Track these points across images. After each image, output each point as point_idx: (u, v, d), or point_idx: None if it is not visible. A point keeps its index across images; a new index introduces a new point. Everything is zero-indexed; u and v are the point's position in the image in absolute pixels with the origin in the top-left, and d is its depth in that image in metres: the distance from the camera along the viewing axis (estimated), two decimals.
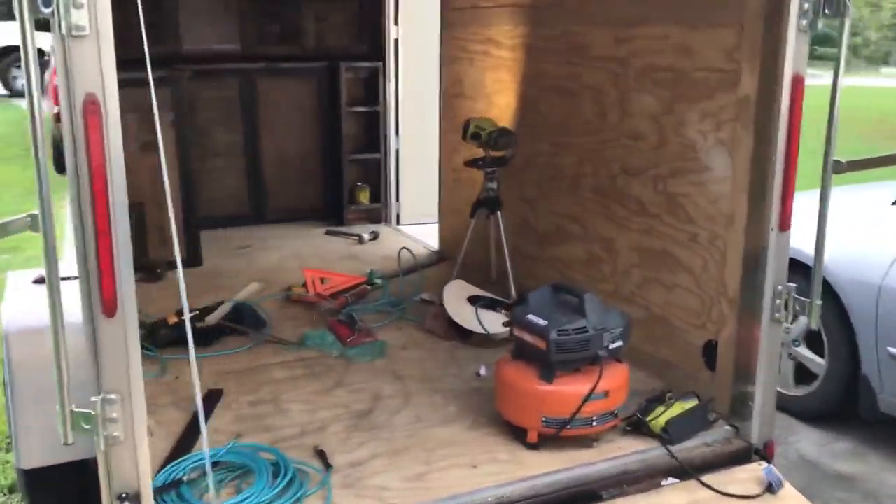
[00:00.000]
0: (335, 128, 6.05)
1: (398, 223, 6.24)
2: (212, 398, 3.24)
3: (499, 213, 4.19)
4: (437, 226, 5.51)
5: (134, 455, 2.05)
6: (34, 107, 1.78)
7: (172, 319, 3.81)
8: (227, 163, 5.96)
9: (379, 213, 6.24)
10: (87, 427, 1.97)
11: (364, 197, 6.18)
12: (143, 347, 3.58)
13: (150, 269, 4.86)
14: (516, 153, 4.21)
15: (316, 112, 6.10)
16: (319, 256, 5.36)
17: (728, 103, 2.92)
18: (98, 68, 1.83)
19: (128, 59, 5.60)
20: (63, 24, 1.75)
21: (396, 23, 5.95)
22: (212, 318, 3.88)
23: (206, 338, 3.78)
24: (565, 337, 2.75)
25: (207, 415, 3.12)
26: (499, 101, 4.49)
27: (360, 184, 6.19)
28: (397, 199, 6.24)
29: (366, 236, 5.67)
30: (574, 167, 3.89)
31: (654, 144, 3.34)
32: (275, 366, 3.57)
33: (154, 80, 4.78)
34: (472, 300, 3.92)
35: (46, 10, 1.73)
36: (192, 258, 5.05)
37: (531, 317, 2.85)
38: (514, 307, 3.15)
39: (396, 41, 5.97)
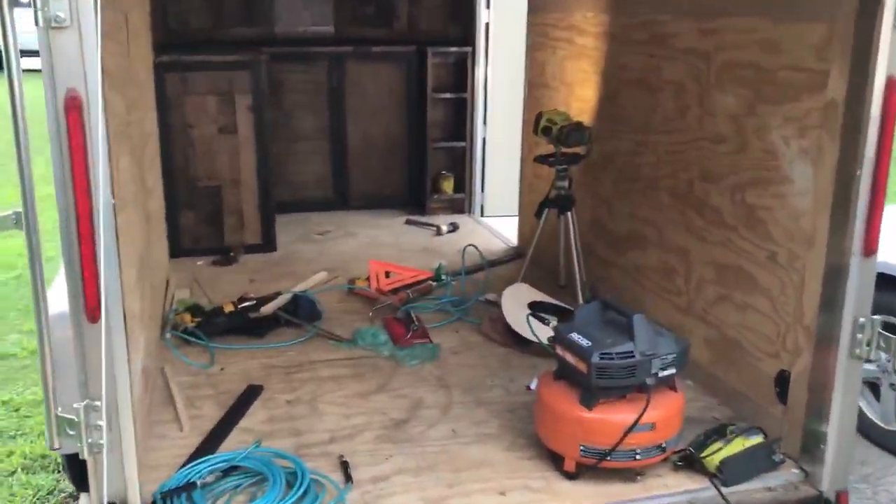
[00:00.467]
0: (421, 114, 5.91)
1: (482, 214, 6.05)
2: (251, 394, 3.18)
3: (569, 214, 3.94)
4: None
5: (121, 463, 1.97)
6: (16, 100, 1.69)
7: (228, 308, 3.78)
8: (313, 146, 5.92)
9: (462, 203, 6.06)
10: (71, 433, 1.90)
11: (448, 186, 6.02)
12: (194, 336, 3.62)
13: (224, 252, 4.89)
14: (593, 149, 3.93)
15: (403, 97, 5.97)
16: (396, 246, 5.25)
17: (814, 107, 2.56)
18: (80, 62, 1.72)
19: (210, 41, 5.69)
20: (41, 15, 1.66)
21: (489, 6, 5.72)
22: (267, 308, 3.82)
23: (259, 328, 3.73)
24: (608, 361, 2.50)
25: (243, 411, 3.06)
26: (580, 93, 4.21)
27: (444, 172, 6.03)
28: (482, 190, 6.04)
29: (444, 228, 5.51)
30: (652, 168, 3.59)
31: (734, 149, 3.01)
32: (322, 363, 3.48)
33: (233, 63, 4.77)
34: (533, 305, 3.70)
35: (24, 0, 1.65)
36: (267, 243, 5.04)
37: (575, 335, 2.61)
38: (558, 322, 2.92)
39: (487, 25, 5.75)
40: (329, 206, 6.00)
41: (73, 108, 1.73)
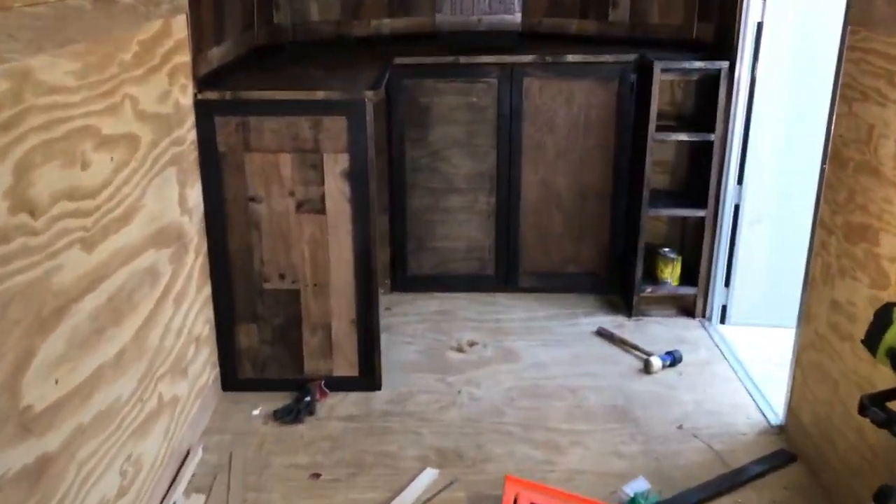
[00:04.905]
0: (637, 161, 3.79)
1: (722, 321, 3.85)
2: None
3: None
4: (792, 346, 2.97)
5: None
6: None
7: None
8: (469, 201, 4.01)
9: (693, 301, 3.90)
10: None
11: (670, 273, 3.87)
12: None
13: (301, 387, 3.17)
14: None
15: (611, 133, 3.87)
16: (572, 392, 3.26)
17: None
18: None
19: (339, 41, 3.60)
20: None
21: None
22: None
23: None
24: None
25: None
26: None
27: (666, 251, 3.89)
28: (726, 284, 3.82)
29: (656, 362, 3.40)
30: None
31: None
32: None
33: (320, 103, 2.92)
34: None
35: None
36: (367, 376, 3.24)
37: None
38: None
39: (759, 26, 3.46)
40: (487, 285, 4.11)
41: None
